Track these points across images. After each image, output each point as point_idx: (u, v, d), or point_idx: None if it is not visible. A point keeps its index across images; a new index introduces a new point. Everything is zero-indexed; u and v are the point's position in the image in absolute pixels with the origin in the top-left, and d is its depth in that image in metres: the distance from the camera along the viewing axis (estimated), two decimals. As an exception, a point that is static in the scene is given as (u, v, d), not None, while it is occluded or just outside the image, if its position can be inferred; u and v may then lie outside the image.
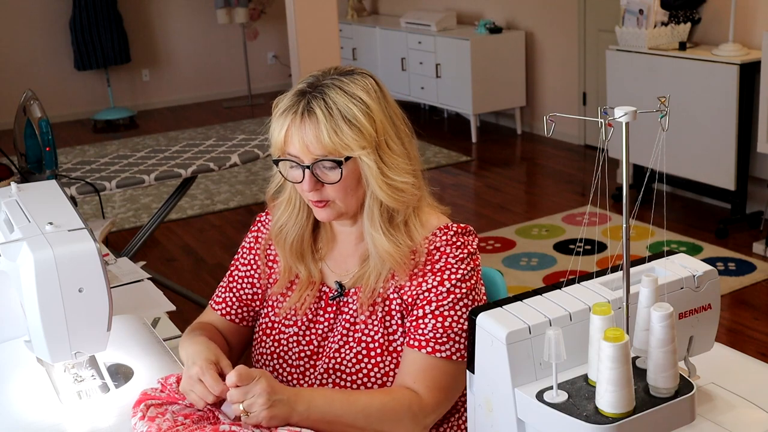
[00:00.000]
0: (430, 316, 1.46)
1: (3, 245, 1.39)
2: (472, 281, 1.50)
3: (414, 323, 1.47)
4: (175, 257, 4.67)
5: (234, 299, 1.67)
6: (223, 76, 8.77)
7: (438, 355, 1.44)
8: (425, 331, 1.46)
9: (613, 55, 4.95)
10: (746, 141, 4.39)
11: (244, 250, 1.68)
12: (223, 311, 1.67)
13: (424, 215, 1.55)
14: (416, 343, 1.46)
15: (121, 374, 1.56)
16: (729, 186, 4.49)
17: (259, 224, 1.69)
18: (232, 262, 1.70)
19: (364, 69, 1.52)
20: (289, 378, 1.58)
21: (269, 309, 1.63)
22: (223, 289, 1.69)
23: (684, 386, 1.06)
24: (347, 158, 1.43)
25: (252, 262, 1.66)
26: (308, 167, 1.44)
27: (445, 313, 1.46)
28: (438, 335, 1.45)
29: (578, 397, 1.05)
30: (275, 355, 1.60)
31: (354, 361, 1.51)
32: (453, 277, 1.48)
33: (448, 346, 1.45)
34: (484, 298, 1.54)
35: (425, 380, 1.45)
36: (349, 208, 1.50)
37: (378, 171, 1.45)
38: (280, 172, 1.52)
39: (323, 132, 1.41)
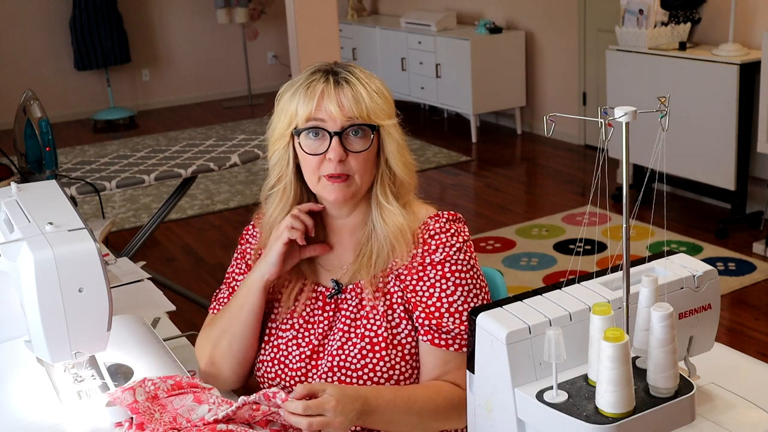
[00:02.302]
0: (447, 315, 1.48)
1: (3, 245, 1.39)
2: (474, 269, 1.52)
3: (434, 322, 1.49)
4: (175, 257, 4.67)
5: None
6: (223, 76, 8.77)
7: (465, 350, 1.48)
8: (449, 330, 1.48)
9: (613, 55, 4.95)
10: (746, 141, 4.39)
11: (237, 261, 1.69)
12: None
13: (415, 206, 1.58)
14: (443, 343, 1.49)
15: (121, 374, 1.55)
16: (729, 186, 4.49)
17: (247, 236, 1.69)
18: (228, 272, 1.70)
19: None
20: (292, 382, 1.58)
21: (266, 316, 1.63)
22: (225, 298, 1.68)
23: (684, 386, 1.06)
24: (378, 126, 1.49)
25: (246, 270, 1.66)
26: (338, 134, 1.46)
27: (460, 308, 1.49)
28: (462, 330, 1.48)
29: (578, 397, 1.05)
30: (276, 361, 1.59)
31: (359, 356, 1.52)
32: (455, 269, 1.50)
33: None
34: (485, 282, 1.56)
35: (463, 376, 1.47)
36: (363, 185, 1.52)
37: (398, 144, 1.52)
38: (300, 144, 1.50)
39: (363, 95, 1.47)
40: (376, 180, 1.53)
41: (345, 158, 1.48)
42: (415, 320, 1.52)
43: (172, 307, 2.04)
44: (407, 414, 1.44)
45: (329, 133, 1.47)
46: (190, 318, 3.54)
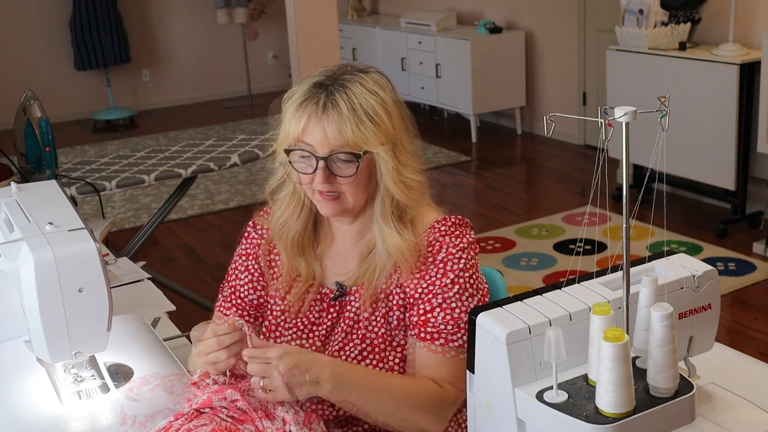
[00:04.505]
0: (438, 309, 1.47)
1: (3, 245, 1.39)
2: (474, 270, 1.51)
3: (423, 317, 1.48)
4: (175, 257, 4.67)
5: (244, 305, 1.65)
6: (223, 76, 8.77)
7: (452, 345, 1.47)
8: (436, 324, 1.47)
9: (613, 55, 4.95)
10: (746, 141, 4.39)
11: (241, 258, 1.66)
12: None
13: (425, 214, 1.56)
14: (428, 336, 1.48)
15: (121, 374, 1.55)
16: (729, 186, 4.49)
17: (252, 234, 1.66)
18: (230, 268, 1.68)
19: (378, 68, 1.54)
20: None
21: (269, 312, 1.63)
22: (229, 298, 1.66)
23: (684, 386, 1.06)
24: (365, 152, 1.44)
25: (251, 268, 1.65)
26: (324, 159, 1.44)
27: (453, 304, 1.47)
28: (450, 327, 1.47)
29: (578, 397, 1.05)
30: None
31: (359, 358, 1.52)
32: (455, 267, 1.49)
33: (459, 336, 1.47)
34: (486, 286, 1.55)
35: (443, 372, 1.47)
36: (356, 203, 1.50)
37: (393, 167, 1.47)
38: (290, 162, 1.50)
39: (346, 124, 1.42)
40: (376, 200, 1.51)
41: (333, 180, 1.46)
42: (408, 318, 1.51)
43: (172, 307, 2.04)
44: (382, 395, 1.42)
45: (316, 157, 1.45)
46: (190, 318, 3.53)
